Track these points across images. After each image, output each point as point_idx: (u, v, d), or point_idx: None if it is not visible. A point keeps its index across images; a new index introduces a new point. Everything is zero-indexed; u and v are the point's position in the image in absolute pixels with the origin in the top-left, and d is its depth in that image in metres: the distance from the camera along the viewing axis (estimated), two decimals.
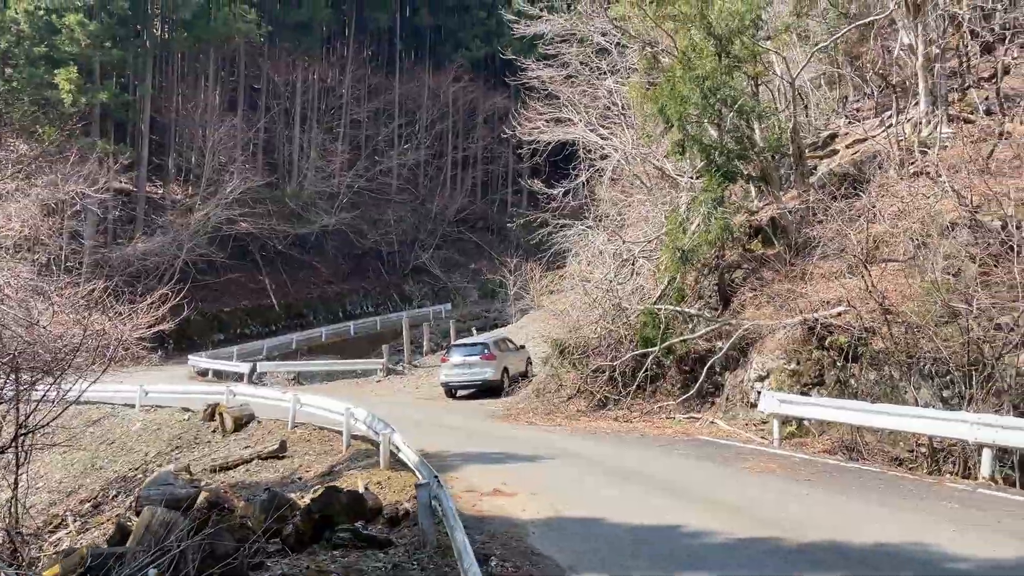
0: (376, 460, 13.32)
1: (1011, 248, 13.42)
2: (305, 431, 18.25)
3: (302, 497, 11.55)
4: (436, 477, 8.96)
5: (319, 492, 9.98)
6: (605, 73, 25.19)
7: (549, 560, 7.91)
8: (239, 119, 50.80)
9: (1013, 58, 21.20)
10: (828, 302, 16.08)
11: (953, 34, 20.95)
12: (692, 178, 20.56)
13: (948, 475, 11.99)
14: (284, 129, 57.54)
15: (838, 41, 22.50)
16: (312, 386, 30.21)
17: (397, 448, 12.22)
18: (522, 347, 26.99)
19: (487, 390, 24.03)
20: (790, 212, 19.00)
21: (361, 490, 10.94)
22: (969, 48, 21.79)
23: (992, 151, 16.54)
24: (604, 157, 25.73)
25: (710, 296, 19.83)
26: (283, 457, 16.40)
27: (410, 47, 68.63)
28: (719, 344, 17.89)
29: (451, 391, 24.80)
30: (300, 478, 14.65)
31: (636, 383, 18.60)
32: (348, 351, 38.43)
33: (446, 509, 7.85)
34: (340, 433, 16.23)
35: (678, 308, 19.11)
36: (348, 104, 60.34)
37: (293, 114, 57.40)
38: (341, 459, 15.08)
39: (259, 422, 19.89)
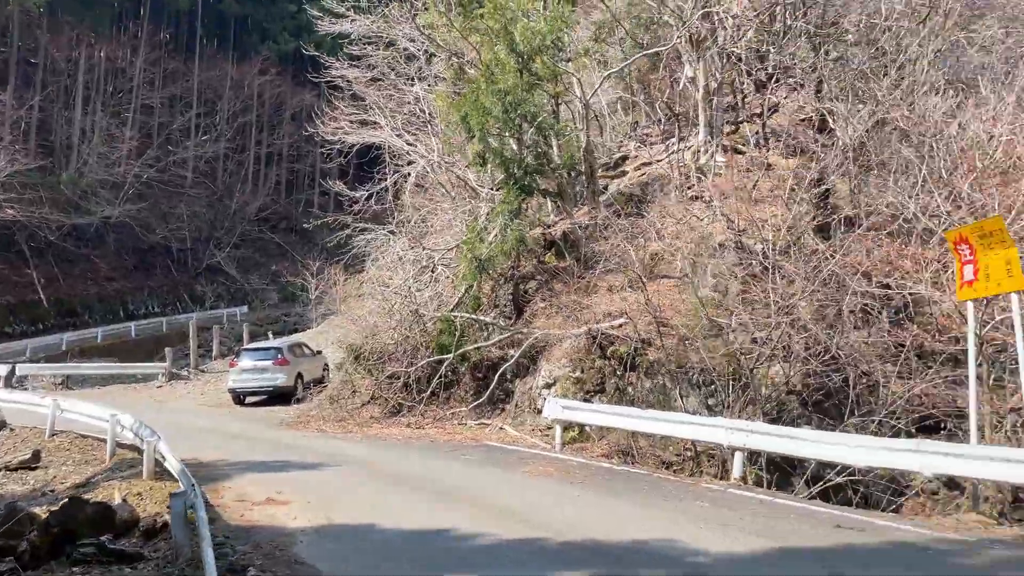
0: (141, 470, 12.39)
1: (766, 269, 14.80)
2: (65, 439, 16.90)
3: (49, 511, 10.49)
4: (194, 485, 8.43)
5: (61, 504, 9.08)
6: (412, 79, 25.13)
7: (311, 568, 7.68)
8: (8, 95, 45.80)
9: (782, 97, 23.39)
10: (610, 314, 16.95)
11: (730, 71, 22.83)
12: (492, 189, 20.98)
13: (707, 476, 12.95)
14: (63, 110, 52.49)
15: (632, 69, 23.87)
16: (83, 391, 27.83)
17: (163, 457, 11.41)
18: (319, 352, 26.32)
19: (279, 396, 23.20)
20: (581, 228, 19.86)
21: (117, 501, 10.09)
22: (744, 85, 23.84)
23: (757, 181, 18.19)
24: (410, 163, 25.67)
25: (505, 305, 20.28)
26: (36, 468, 14.95)
27: (212, 33, 65.03)
28: (511, 352, 18.32)
29: (239, 397, 23.71)
30: (53, 490, 13.33)
31: (431, 390, 18.64)
32: (128, 354, 35.70)
33: (199, 519, 7.39)
34: (105, 441, 15.02)
35: (474, 316, 19.40)
36: (140, 88, 56.10)
37: (74, 94, 52.48)
38: (103, 469, 13.93)
39: (12, 430, 18.32)
